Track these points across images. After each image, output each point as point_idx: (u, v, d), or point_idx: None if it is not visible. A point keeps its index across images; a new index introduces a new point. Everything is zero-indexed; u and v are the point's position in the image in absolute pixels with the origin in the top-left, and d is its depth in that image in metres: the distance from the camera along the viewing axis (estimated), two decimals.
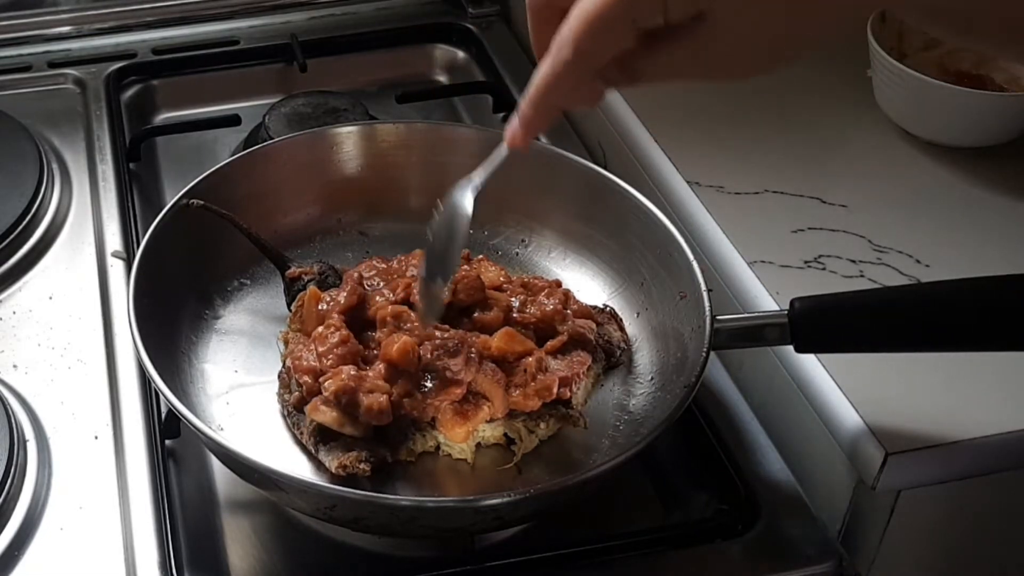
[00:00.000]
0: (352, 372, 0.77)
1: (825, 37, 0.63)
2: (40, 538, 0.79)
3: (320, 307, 0.84)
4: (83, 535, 0.79)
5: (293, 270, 0.89)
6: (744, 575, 0.78)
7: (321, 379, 0.78)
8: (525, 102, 0.66)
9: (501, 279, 0.88)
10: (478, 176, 0.74)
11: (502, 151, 0.71)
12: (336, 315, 0.82)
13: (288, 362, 0.82)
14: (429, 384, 0.79)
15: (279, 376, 0.83)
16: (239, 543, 0.80)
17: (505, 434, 0.80)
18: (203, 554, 0.79)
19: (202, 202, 0.88)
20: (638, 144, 1.05)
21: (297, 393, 0.80)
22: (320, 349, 0.79)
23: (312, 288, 0.86)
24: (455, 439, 0.78)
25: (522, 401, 0.79)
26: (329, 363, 0.78)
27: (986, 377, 0.82)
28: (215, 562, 0.79)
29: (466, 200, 0.74)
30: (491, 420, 0.79)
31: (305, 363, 0.79)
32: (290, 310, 0.88)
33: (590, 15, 0.60)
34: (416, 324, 0.81)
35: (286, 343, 0.85)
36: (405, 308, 0.83)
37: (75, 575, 0.77)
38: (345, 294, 0.84)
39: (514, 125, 0.67)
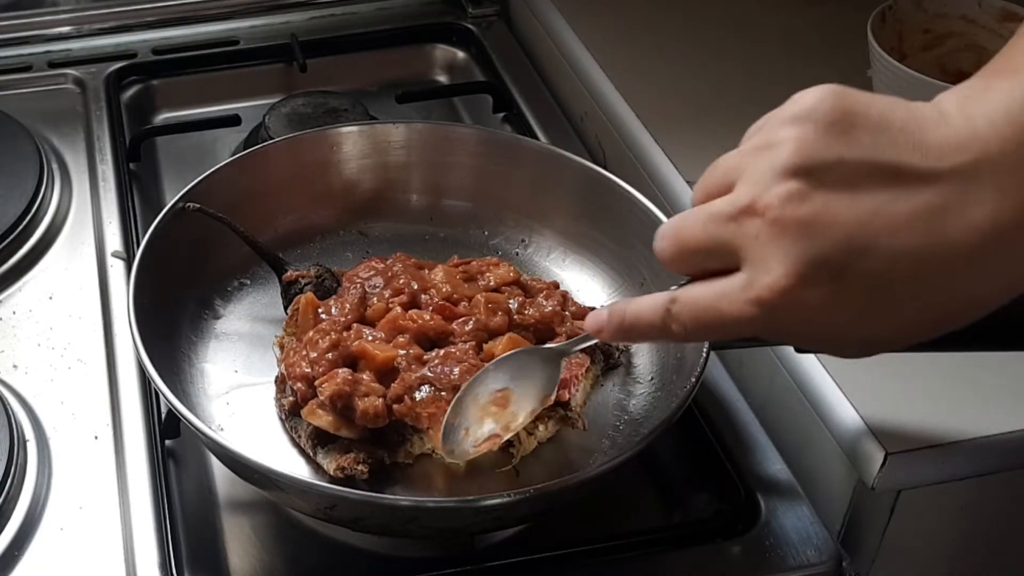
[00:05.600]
0: (348, 376, 0.77)
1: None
2: (40, 538, 0.79)
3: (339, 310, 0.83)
4: (83, 535, 0.79)
5: (290, 273, 0.88)
6: (744, 575, 0.78)
7: (316, 382, 0.78)
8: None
9: (512, 275, 0.87)
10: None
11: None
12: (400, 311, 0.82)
13: (282, 368, 0.82)
14: (425, 392, 0.77)
15: (275, 381, 0.83)
16: (239, 543, 0.80)
17: None
18: (203, 554, 0.79)
19: (198, 205, 0.87)
20: (638, 144, 1.05)
21: (292, 398, 0.80)
22: (312, 355, 0.79)
23: (308, 294, 0.86)
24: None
25: None
26: (321, 370, 0.78)
27: (986, 377, 0.82)
28: (215, 562, 0.79)
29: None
30: None
31: (298, 369, 0.79)
32: (287, 314, 0.88)
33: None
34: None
35: (282, 348, 0.85)
36: (401, 313, 0.82)
37: (75, 575, 0.77)
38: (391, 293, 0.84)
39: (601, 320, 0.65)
